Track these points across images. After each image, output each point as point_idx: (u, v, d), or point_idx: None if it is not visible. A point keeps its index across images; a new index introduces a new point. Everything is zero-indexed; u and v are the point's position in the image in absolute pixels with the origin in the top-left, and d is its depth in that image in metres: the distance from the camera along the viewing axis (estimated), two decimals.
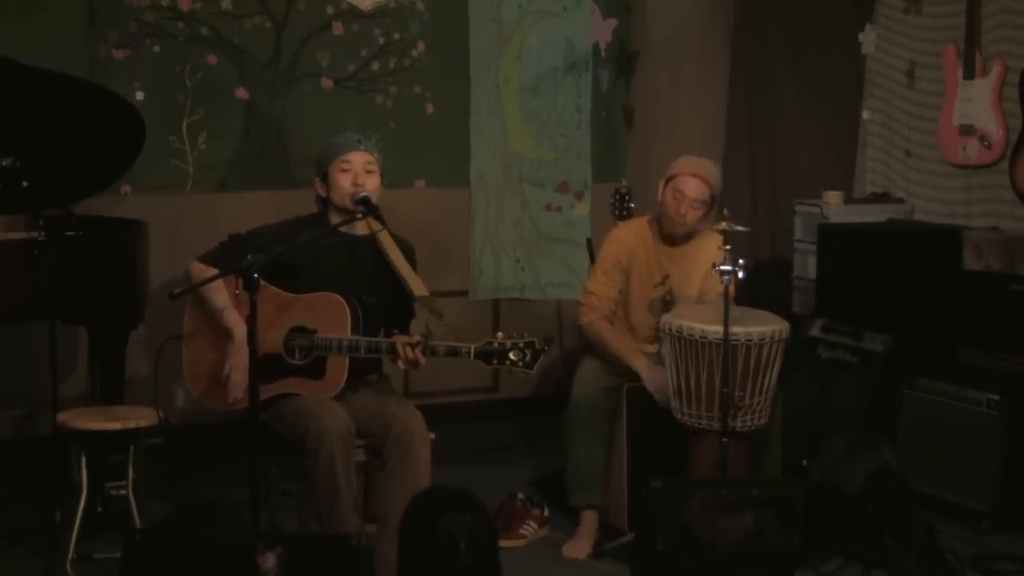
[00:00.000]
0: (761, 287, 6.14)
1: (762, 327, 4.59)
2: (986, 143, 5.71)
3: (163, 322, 4.88)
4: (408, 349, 4.30)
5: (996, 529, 5.01)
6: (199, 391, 4.53)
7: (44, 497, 4.80)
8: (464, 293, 6.51)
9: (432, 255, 5.61)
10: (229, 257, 4.44)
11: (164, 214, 5.71)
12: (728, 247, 4.47)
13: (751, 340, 4.53)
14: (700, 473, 4.64)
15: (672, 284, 5.00)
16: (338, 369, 4.42)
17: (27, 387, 5.52)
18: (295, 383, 4.43)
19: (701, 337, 4.54)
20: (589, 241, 6.26)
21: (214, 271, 4.37)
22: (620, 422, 4.94)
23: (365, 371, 4.55)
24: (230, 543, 2.70)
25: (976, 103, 5.72)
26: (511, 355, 4.23)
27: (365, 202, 4.46)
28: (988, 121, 5.69)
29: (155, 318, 5.26)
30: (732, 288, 4.43)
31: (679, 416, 4.68)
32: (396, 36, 6.28)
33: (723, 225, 4.55)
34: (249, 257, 3.97)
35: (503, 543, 3.94)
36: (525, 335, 4.25)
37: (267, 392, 4.25)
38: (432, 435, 4.42)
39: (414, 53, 6.31)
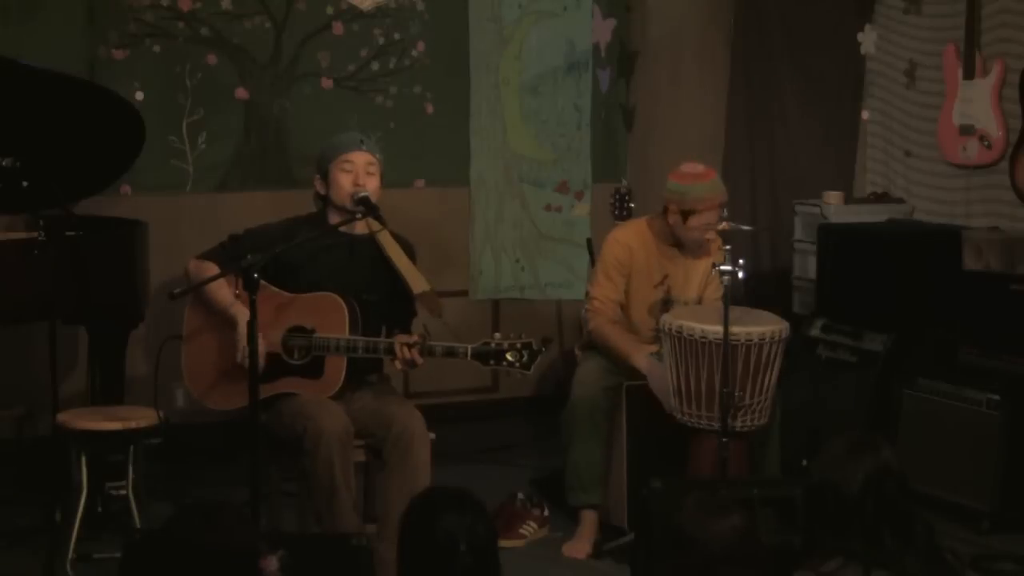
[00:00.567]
0: (761, 287, 6.14)
1: (762, 327, 4.59)
2: (986, 143, 5.71)
3: (163, 322, 4.88)
4: (405, 349, 4.30)
5: (996, 529, 5.01)
6: (199, 391, 4.53)
7: (44, 497, 4.79)
8: (464, 293, 6.51)
9: (432, 255, 5.61)
10: (228, 257, 4.44)
11: (164, 214, 5.72)
12: (728, 247, 4.47)
13: (751, 340, 4.53)
14: (700, 473, 4.64)
15: (671, 284, 5.00)
16: (336, 369, 4.42)
17: (27, 387, 5.52)
18: (294, 383, 4.43)
19: (701, 337, 4.54)
20: (589, 241, 6.27)
21: (214, 270, 4.37)
22: (620, 422, 4.94)
23: (365, 371, 4.55)
24: (233, 545, 2.70)
25: (976, 103, 5.72)
26: (508, 356, 4.22)
27: (364, 202, 4.46)
28: (988, 121, 5.69)
29: (155, 318, 5.26)
30: (732, 288, 4.42)
31: (679, 416, 4.68)
32: (396, 36, 6.28)
33: (723, 225, 4.54)
34: (248, 257, 3.97)
35: (503, 543, 3.92)
36: (522, 336, 4.25)
37: (266, 392, 4.25)
38: (432, 435, 4.42)
39: (414, 53, 6.31)
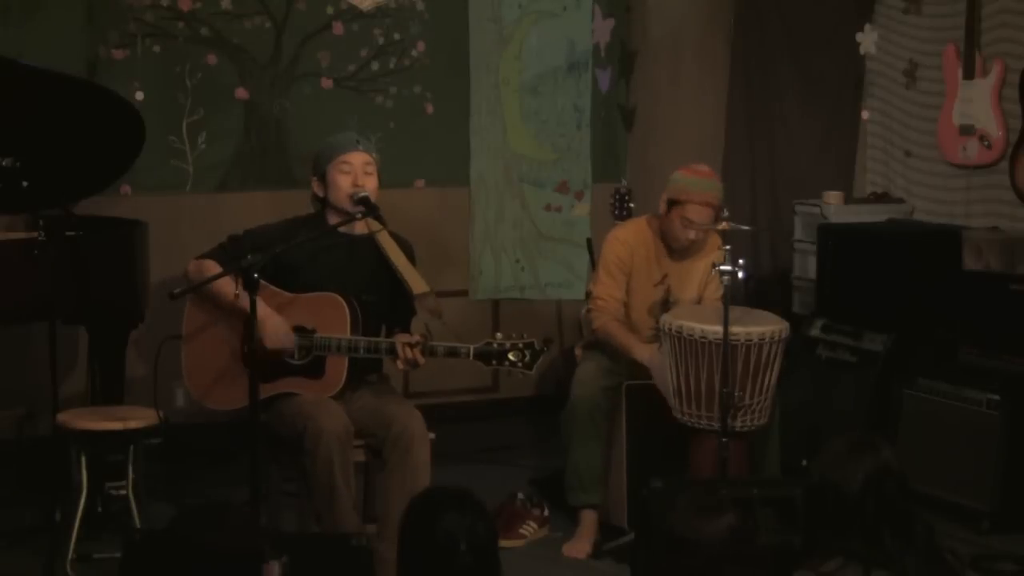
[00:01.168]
0: (761, 287, 6.14)
1: (762, 327, 4.59)
2: (986, 143, 5.71)
3: (163, 322, 4.87)
4: (407, 349, 4.29)
5: (996, 529, 5.01)
6: (199, 391, 4.53)
7: (44, 497, 4.79)
8: (464, 293, 6.51)
9: (432, 255, 5.61)
10: (229, 257, 4.44)
11: (164, 214, 5.72)
12: (728, 247, 4.47)
13: (751, 340, 4.53)
14: (700, 473, 4.64)
15: (671, 283, 5.00)
16: (337, 369, 4.42)
17: (27, 387, 5.53)
18: (294, 382, 4.43)
19: (701, 337, 4.54)
20: (589, 241, 6.27)
21: (215, 269, 4.37)
22: (619, 422, 4.94)
23: (365, 371, 4.54)
24: (237, 547, 2.70)
25: (976, 103, 5.72)
26: (510, 356, 4.22)
27: (364, 202, 4.45)
28: (988, 121, 5.69)
29: (155, 318, 5.26)
30: (731, 288, 4.43)
31: (679, 416, 4.68)
32: (396, 36, 6.28)
33: (723, 225, 4.54)
34: (248, 257, 3.97)
35: (503, 543, 3.93)
36: (524, 336, 4.25)
37: (266, 391, 4.25)
38: (432, 435, 4.42)
39: (414, 53, 6.31)
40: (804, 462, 4.72)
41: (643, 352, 4.83)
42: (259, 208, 5.63)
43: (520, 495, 5.11)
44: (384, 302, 4.56)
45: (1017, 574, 4.73)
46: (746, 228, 4.77)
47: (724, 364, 4.43)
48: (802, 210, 6.16)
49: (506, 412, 6.49)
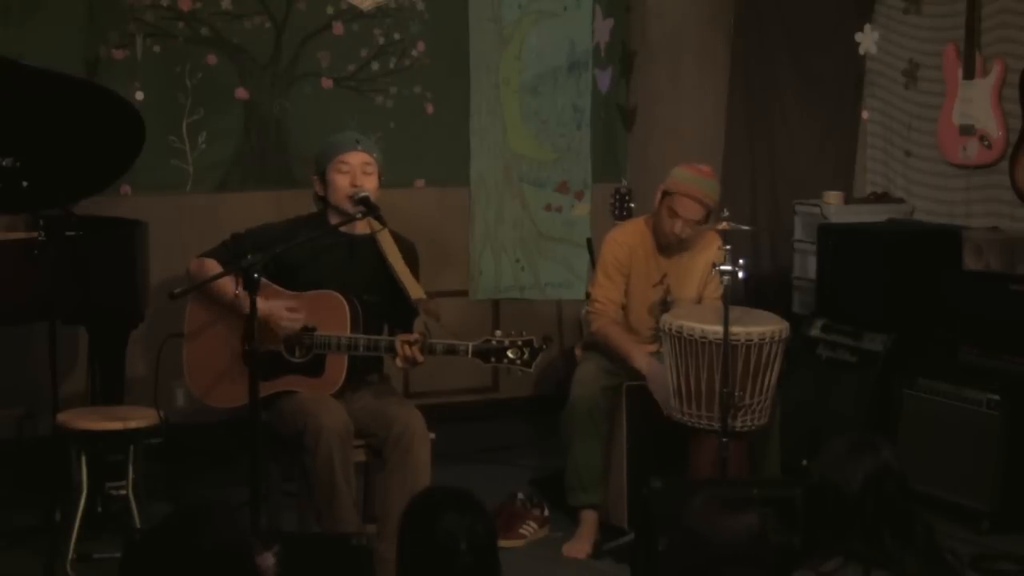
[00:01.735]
0: (761, 287, 6.14)
1: (762, 327, 4.59)
2: (986, 143, 5.71)
3: (163, 322, 4.88)
4: (406, 347, 4.29)
5: (996, 529, 5.01)
6: (200, 390, 4.53)
7: (44, 497, 4.79)
8: (464, 293, 6.51)
9: (432, 255, 5.61)
10: (230, 256, 4.44)
11: (164, 214, 5.72)
12: (728, 247, 4.47)
13: (751, 340, 4.53)
14: (700, 473, 4.64)
15: (670, 283, 5.00)
16: (337, 367, 4.42)
17: (27, 387, 5.53)
18: (294, 381, 4.43)
19: (701, 337, 4.54)
20: (589, 241, 6.27)
21: (216, 268, 4.37)
22: (619, 421, 4.94)
23: (365, 371, 4.55)
24: (224, 545, 2.70)
25: (976, 103, 5.72)
26: (509, 353, 4.22)
27: (365, 202, 4.45)
28: (988, 121, 5.69)
29: (155, 318, 5.27)
30: (731, 288, 4.43)
31: (679, 416, 4.68)
32: (396, 36, 6.28)
33: (723, 225, 4.54)
34: (249, 256, 3.97)
35: (503, 543, 3.94)
36: (523, 333, 4.25)
37: (266, 390, 4.25)
38: (432, 435, 4.42)
39: (414, 53, 6.32)
40: (804, 462, 4.71)
41: (642, 361, 4.84)
42: (259, 208, 5.63)
43: (520, 495, 5.11)
44: (385, 302, 4.56)
45: (1017, 574, 4.73)
46: (746, 228, 4.77)
47: (724, 364, 4.43)
48: (802, 210, 6.16)
49: (506, 412, 6.49)
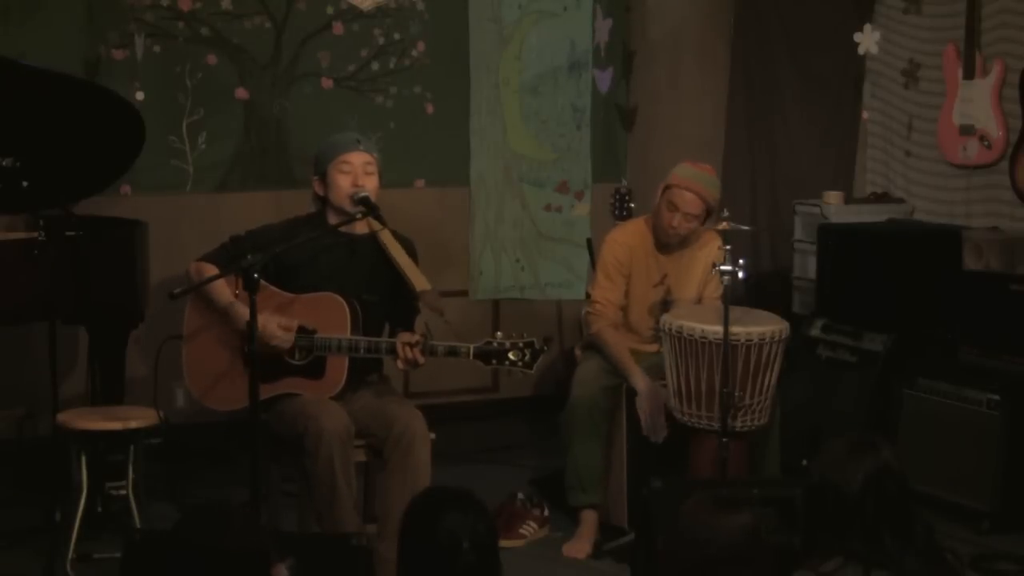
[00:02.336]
0: (761, 287, 6.14)
1: (762, 327, 4.59)
2: (986, 143, 5.71)
3: (163, 322, 4.88)
4: (407, 348, 4.29)
5: (996, 529, 5.01)
6: (199, 391, 4.53)
7: (44, 497, 4.79)
8: (464, 293, 6.51)
9: (432, 255, 5.61)
10: (230, 258, 4.44)
11: (164, 214, 5.72)
12: (728, 247, 4.47)
13: (751, 340, 4.53)
14: (700, 473, 4.64)
15: (670, 284, 5.00)
16: (338, 369, 4.42)
17: (27, 387, 5.53)
18: (295, 383, 4.43)
19: (701, 337, 4.54)
20: (589, 241, 6.27)
21: (215, 271, 4.37)
22: (619, 421, 4.94)
23: (365, 371, 4.54)
24: (245, 549, 2.69)
25: (976, 103, 5.72)
26: (510, 355, 4.22)
27: (365, 202, 4.45)
28: (988, 121, 5.69)
29: (155, 318, 5.26)
30: (731, 288, 4.43)
31: (679, 416, 4.68)
32: (396, 36, 6.28)
33: (723, 225, 4.55)
34: (249, 257, 3.97)
35: (503, 543, 3.93)
36: (524, 335, 4.25)
37: (267, 392, 4.25)
38: (432, 435, 4.42)
39: (414, 53, 6.32)
40: (804, 462, 4.71)
41: (640, 382, 4.83)
42: (259, 208, 5.63)
43: (520, 495, 5.11)
44: (385, 302, 4.56)
45: (1017, 574, 4.73)
46: (746, 228, 4.77)
47: (724, 364, 4.43)
48: (802, 210, 6.16)
49: (506, 412, 6.49)
